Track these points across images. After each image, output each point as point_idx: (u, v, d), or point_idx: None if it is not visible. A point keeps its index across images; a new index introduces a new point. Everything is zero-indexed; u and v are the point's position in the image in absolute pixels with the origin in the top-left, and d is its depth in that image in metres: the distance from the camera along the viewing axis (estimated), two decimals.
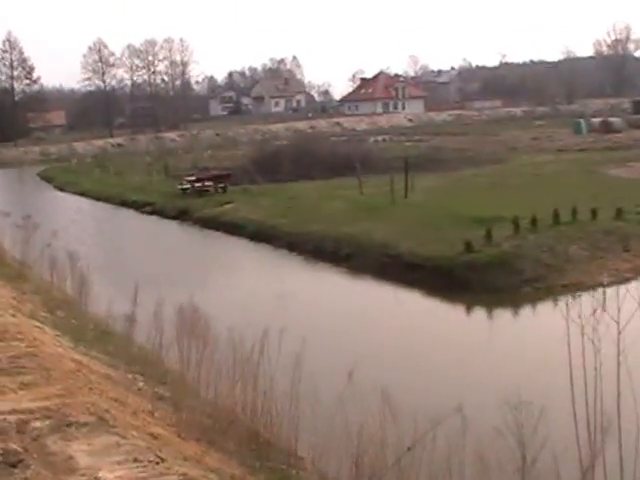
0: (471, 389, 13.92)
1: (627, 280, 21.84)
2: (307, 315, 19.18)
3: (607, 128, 58.59)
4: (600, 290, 20.55)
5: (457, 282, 22.19)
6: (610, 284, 21.49)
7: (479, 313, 21.09)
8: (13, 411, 7.91)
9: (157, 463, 6.84)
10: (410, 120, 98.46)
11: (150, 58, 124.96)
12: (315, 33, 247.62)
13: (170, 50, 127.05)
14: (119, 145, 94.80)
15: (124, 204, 45.49)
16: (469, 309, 21.32)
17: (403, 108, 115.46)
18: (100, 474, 6.49)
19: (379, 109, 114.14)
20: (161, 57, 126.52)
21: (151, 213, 41.42)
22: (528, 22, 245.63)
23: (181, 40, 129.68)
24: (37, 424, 7.61)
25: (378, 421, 9.12)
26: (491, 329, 19.81)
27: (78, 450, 7.01)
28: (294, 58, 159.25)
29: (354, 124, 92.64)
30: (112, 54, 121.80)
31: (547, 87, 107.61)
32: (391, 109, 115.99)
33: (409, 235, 26.05)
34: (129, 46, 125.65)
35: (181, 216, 38.56)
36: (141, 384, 13.56)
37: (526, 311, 20.77)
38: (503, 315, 20.87)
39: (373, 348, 16.71)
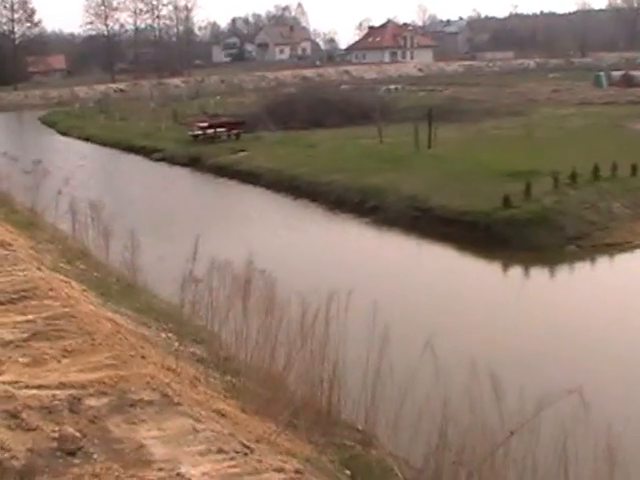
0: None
1: None
2: (351, 272, 17.85)
3: (628, 82, 56.98)
4: None
5: (496, 238, 21.07)
6: None
7: (531, 272, 19.89)
8: (61, 385, 6.77)
9: (245, 454, 5.72)
10: (420, 70, 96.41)
11: (154, 2, 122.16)
12: None
13: None
14: (121, 90, 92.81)
15: (132, 150, 44.15)
16: (516, 267, 20.17)
17: (412, 58, 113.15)
18: (182, 469, 5.35)
19: (387, 58, 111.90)
20: (165, 1, 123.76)
21: (161, 160, 40.09)
22: None
23: None
24: (92, 402, 6.48)
25: (467, 397, 7.99)
26: (554, 288, 18.60)
27: (148, 437, 5.87)
28: (299, 5, 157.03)
29: (362, 72, 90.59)
30: None
31: (559, 39, 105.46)
32: (399, 58, 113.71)
33: (439, 188, 24.82)
34: None
35: (193, 163, 37.23)
36: (176, 344, 12.51)
37: (585, 270, 19.63)
38: (561, 274, 19.66)
39: (438, 312, 15.56)
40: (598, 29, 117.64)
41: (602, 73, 60.26)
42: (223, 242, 19.66)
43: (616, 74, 60.12)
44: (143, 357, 8.02)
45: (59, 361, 7.53)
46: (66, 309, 9.35)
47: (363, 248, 22.26)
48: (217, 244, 18.24)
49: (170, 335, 12.46)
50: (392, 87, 64.81)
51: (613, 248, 20.37)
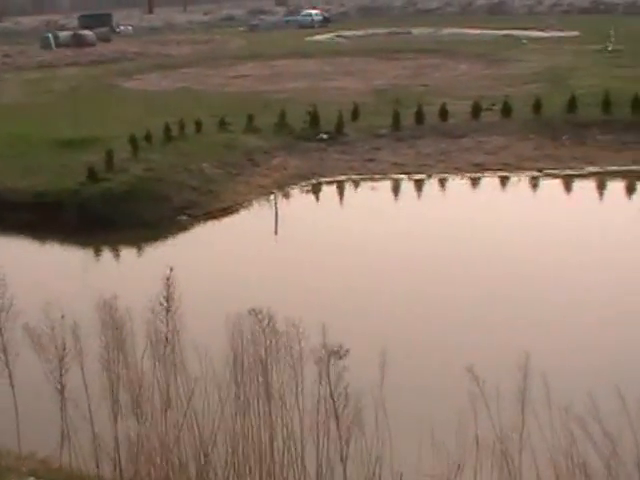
0: None
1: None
2: None
3: (79, 42, 54.81)
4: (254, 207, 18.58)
5: (94, 219, 17.77)
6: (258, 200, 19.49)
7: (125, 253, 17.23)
8: None
9: None
10: None
11: None
12: None
13: None
14: None
15: None
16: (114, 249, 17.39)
17: None
18: None
19: None
20: None
21: None
22: None
23: None
24: None
25: None
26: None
27: None
28: None
29: None
30: None
31: None
32: None
33: None
34: None
35: None
36: None
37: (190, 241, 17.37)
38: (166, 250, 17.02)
39: None
40: None
41: (50, 34, 56.93)
42: None
43: (66, 34, 57.30)
44: None
45: None
46: None
47: None
48: None
49: None
50: None
51: (226, 212, 18.64)
